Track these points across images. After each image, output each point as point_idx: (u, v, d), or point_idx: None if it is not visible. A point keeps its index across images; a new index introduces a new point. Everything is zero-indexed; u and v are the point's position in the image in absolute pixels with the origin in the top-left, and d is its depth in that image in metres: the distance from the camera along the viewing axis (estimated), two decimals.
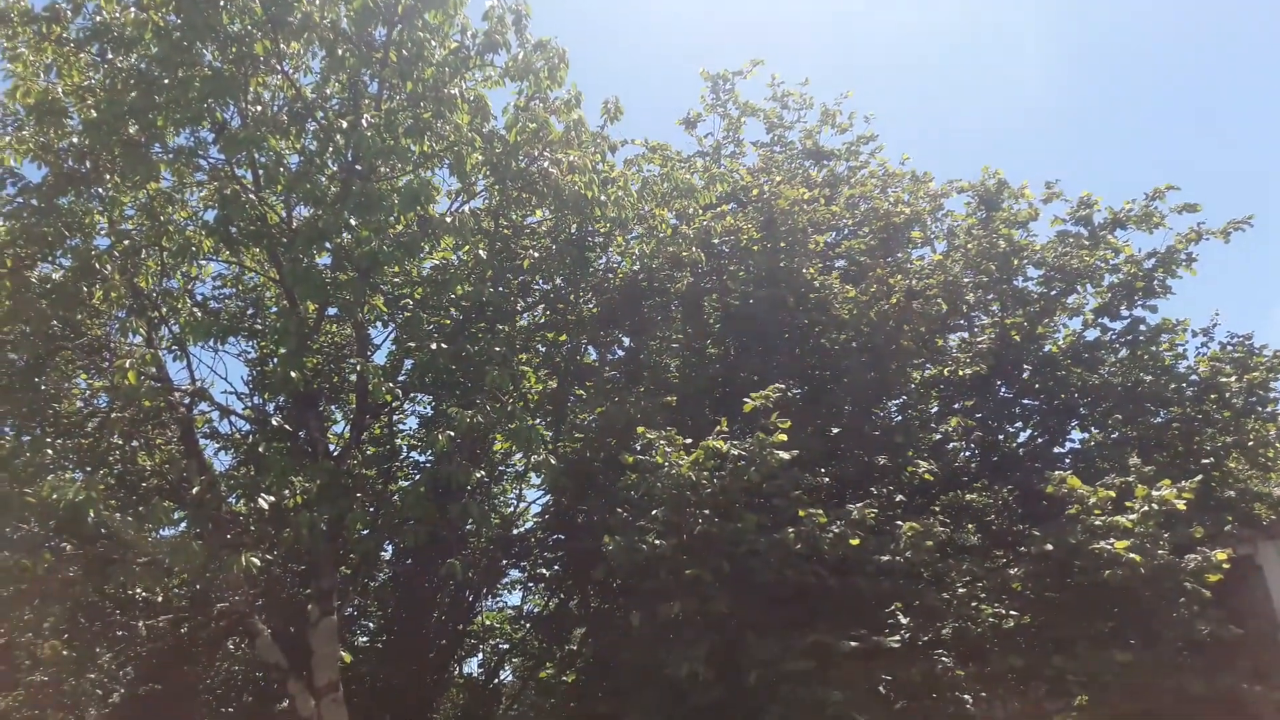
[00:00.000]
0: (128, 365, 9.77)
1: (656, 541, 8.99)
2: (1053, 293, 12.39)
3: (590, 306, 12.79)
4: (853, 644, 8.26)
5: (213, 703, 13.79)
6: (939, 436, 11.69)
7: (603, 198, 11.07)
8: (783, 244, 12.45)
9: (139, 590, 11.37)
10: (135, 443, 12.05)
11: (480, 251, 11.36)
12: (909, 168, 13.72)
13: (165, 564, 9.98)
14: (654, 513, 9.27)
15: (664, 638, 9.12)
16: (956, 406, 12.35)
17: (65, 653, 11.77)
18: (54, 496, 8.86)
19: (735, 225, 12.55)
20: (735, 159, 14.44)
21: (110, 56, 10.27)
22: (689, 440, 9.64)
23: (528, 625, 14.50)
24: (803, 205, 12.45)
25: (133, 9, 9.77)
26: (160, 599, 11.93)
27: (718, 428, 9.66)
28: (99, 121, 9.48)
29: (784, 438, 9.36)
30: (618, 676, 10.02)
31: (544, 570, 13.62)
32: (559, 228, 12.48)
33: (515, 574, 14.31)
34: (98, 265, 10.02)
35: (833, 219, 12.78)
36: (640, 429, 9.99)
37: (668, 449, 9.52)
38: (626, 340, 13.41)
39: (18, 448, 10.70)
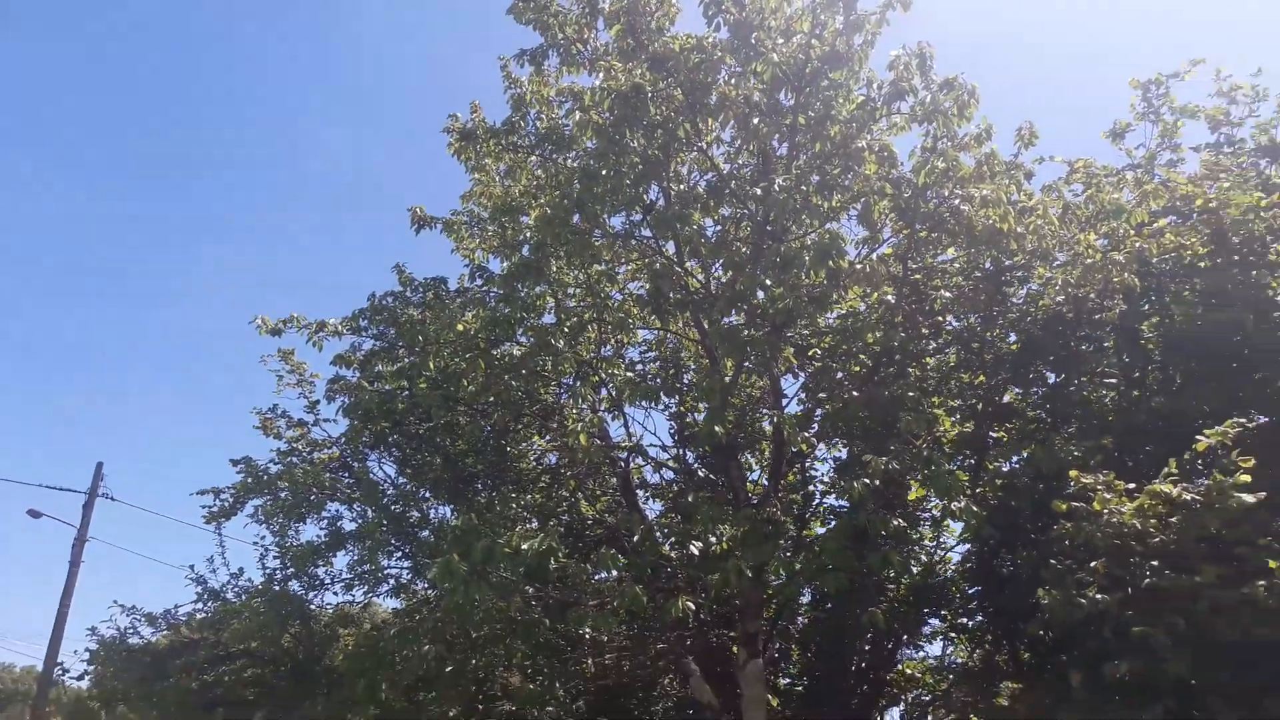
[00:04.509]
0: (579, 428, 12.29)
1: (1098, 596, 9.38)
2: None
3: (1009, 343, 13.38)
4: None
5: None
6: None
7: (1019, 229, 11.72)
8: (1235, 257, 12.21)
9: (588, 631, 13.90)
10: (579, 495, 14.78)
11: (889, 296, 12.58)
12: None
13: (612, 606, 12.22)
14: (1093, 564, 9.69)
15: (1109, 699, 9.49)
16: None
17: (530, 686, 14.62)
18: (523, 546, 11.32)
19: (1176, 242, 12.50)
20: (1172, 167, 14.27)
21: (555, 156, 13.01)
22: (1130, 485, 9.96)
23: (951, 677, 15.29)
24: (1258, 212, 12.13)
25: (577, 112, 12.31)
26: (605, 639, 14.41)
27: (1165, 470, 9.85)
28: (551, 217, 12.12)
29: (1248, 478, 9.25)
30: None
31: (966, 621, 14.31)
32: (972, 264, 13.27)
33: (935, 623, 15.17)
34: (551, 340, 12.69)
35: None
36: (1073, 473, 10.42)
37: (1106, 495, 9.90)
38: (1050, 376, 13.76)
39: (490, 502, 13.69)
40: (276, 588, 16.89)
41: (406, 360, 13.90)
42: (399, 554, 16.03)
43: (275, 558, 17.17)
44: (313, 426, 16.66)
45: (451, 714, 16.03)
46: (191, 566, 18.24)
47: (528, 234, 13.08)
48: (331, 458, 16.35)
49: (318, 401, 16.46)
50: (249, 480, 16.40)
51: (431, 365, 13.14)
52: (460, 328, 13.02)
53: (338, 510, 16.52)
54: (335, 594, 17.32)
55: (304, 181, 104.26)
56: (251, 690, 17.55)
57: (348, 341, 14.78)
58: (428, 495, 15.68)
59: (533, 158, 13.47)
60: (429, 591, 15.56)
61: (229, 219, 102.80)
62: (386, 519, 15.48)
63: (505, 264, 13.35)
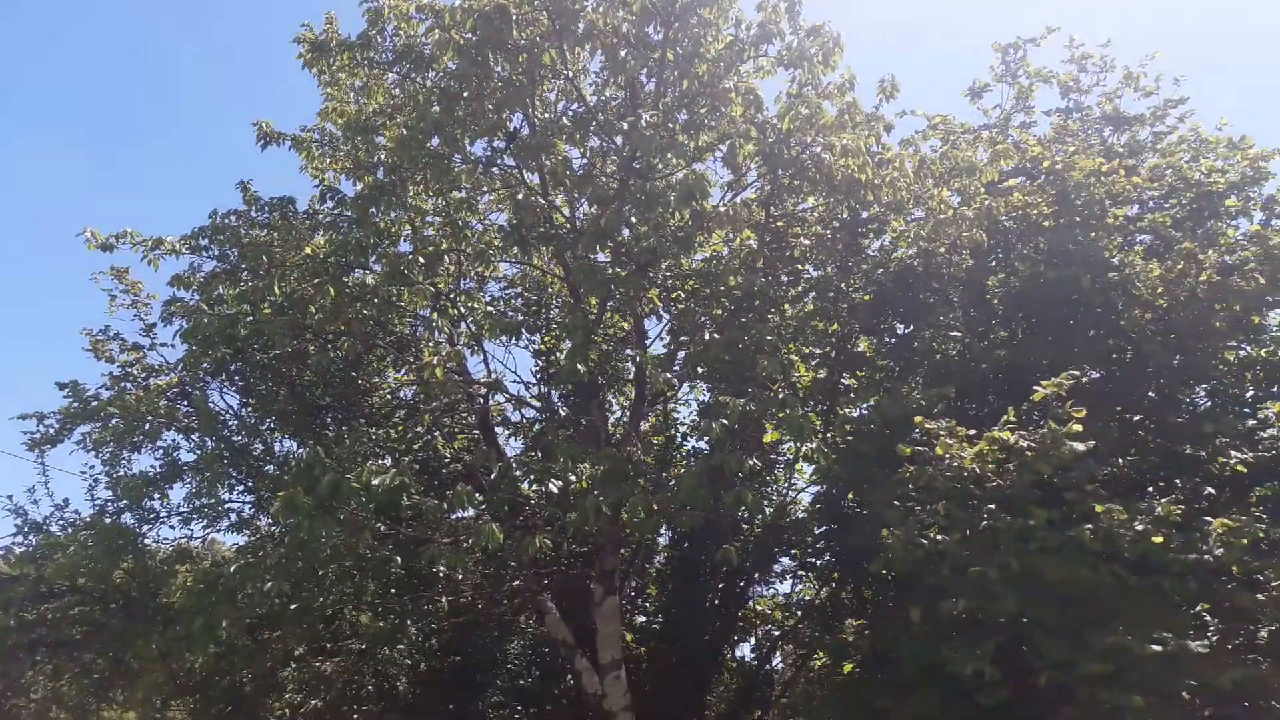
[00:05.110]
0: (434, 361, 11.85)
1: (938, 536, 9.70)
2: None
3: (863, 294, 13.62)
4: (1156, 648, 8.62)
5: (507, 676, 16.16)
6: (1253, 423, 11.57)
7: (876, 180, 11.85)
8: (1077, 219, 12.68)
9: (442, 568, 13.62)
10: (436, 431, 14.36)
11: (751, 242, 12.56)
12: (1226, 133, 13.44)
13: (467, 544, 11.99)
14: (934, 506, 9.99)
15: (946, 635, 9.87)
16: (1275, 390, 12.10)
17: (381, 624, 14.26)
18: (374, 482, 10.91)
19: (1024, 201, 12.90)
20: (1025, 129, 14.71)
21: (414, 75, 12.37)
22: (972, 431, 10.29)
23: (799, 613, 15.79)
24: (1100, 176, 12.61)
25: (437, 30, 11.71)
26: (460, 577, 14.16)
27: (1004, 418, 10.21)
28: (407, 138, 11.55)
29: (1078, 428, 9.65)
30: (897, 671, 10.83)
31: (815, 560, 14.74)
32: (830, 213, 13.38)
33: (786, 561, 15.61)
34: (405, 270, 12.17)
35: (1135, 191, 12.83)
36: (918, 419, 10.71)
37: (949, 440, 10.21)
38: (900, 327, 14.10)
39: (340, 436, 13.15)
40: (107, 520, 15.82)
41: (250, 284, 13.09)
42: (241, 487, 15.26)
43: (106, 488, 16.04)
44: (148, 350, 15.58)
45: (297, 652, 15.59)
46: (10, 497, 16.91)
47: (383, 156, 12.44)
48: (169, 384, 15.36)
49: (154, 324, 15.40)
50: (76, 406, 15.24)
51: (277, 289, 12.39)
52: (309, 251, 12.36)
53: (175, 440, 15.51)
54: (172, 528, 16.42)
55: (139, 85, 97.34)
56: (79, 629, 16.48)
57: (186, 261, 13.83)
58: (272, 427, 14.94)
59: (389, 75, 12.77)
60: (273, 527, 14.91)
61: (53, 120, 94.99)
62: (228, 450, 14.69)
63: (358, 186, 12.68)
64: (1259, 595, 9.07)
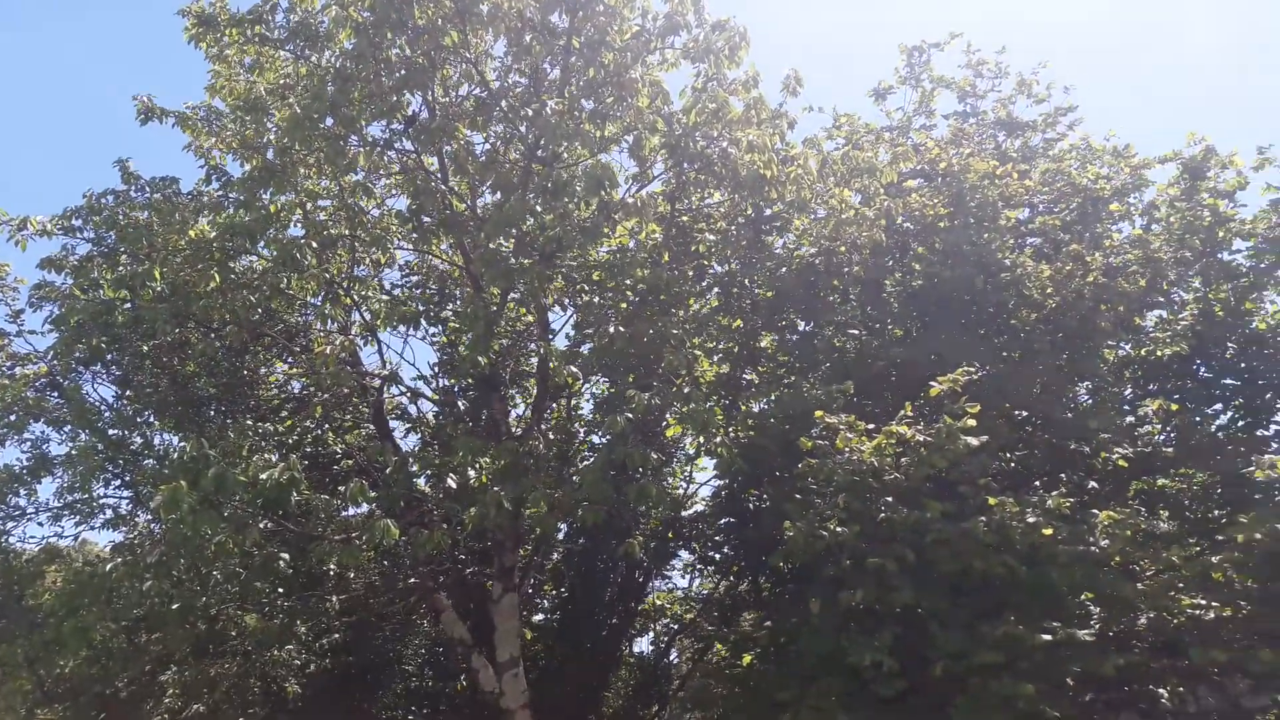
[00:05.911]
0: (328, 351, 11.34)
1: (838, 529, 9.74)
2: (1262, 265, 12.45)
3: (766, 291, 13.63)
4: (1045, 637, 8.78)
5: (402, 676, 15.65)
6: (1132, 419, 11.99)
7: (781, 177, 11.83)
8: (972, 220, 12.93)
9: (333, 566, 13.07)
10: (327, 425, 13.79)
11: (657, 236, 12.41)
12: (1112, 142, 13.94)
13: (360, 541, 11.51)
14: (833, 499, 10.02)
15: (844, 626, 9.90)
16: (1152, 388, 12.58)
17: (268, 624, 13.64)
18: (261, 477, 10.37)
19: (922, 202, 13.09)
20: (925, 131, 14.99)
21: (308, 53, 11.81)
22: (870, 426, 10.37)
23: (698, 606, 15.73)
24: (993, 179, 12.87)
25: (335, 6, 11.20)
26: (352, 575, 13.63)
27: (901, 413, 10.31)
28: (300, 118, 11.01)
29: (973, 423, 9.84)
30: (795, 663, 10.84)
31: (714, 553, 14.71)
32: (735, 209, 13.34)
33: (685, 555, 15.54)
34: (297, 255, 11.60)
35: (1026, 194, 13.15)
36: (818, 414, 10.74)
37: (848, 435, 10.26)
38: (801, 324, 14.18)
39: (224, 429, 12.51)
40: None
41: (129, 268, 12.32)
42: (117, 482, 14.41)
43: None
44: (14, 337, 14.56)
45: (178, 655, 14.81)
46: None
47: (273, 136, 11.84)
48: (37, 373, 14.38)
49: (22, 310, 14.41)
50: None
51: (158, 274, 11.69)
52: (193, 234, 11.70)
53: (44, 432, 14.57)
54: (40, 525, 15.43)
55: (5, 54, 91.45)
56: None
57: (59, 243, 13.00)
58: (151, 419, 14.11)
59: (282, 53, 12.16)
60: (152, 524, 14.11)
61: None
62: (103, 443, 13.82)
63: (247, 167, 12.05)
64: (1139, 585, 9.35)
